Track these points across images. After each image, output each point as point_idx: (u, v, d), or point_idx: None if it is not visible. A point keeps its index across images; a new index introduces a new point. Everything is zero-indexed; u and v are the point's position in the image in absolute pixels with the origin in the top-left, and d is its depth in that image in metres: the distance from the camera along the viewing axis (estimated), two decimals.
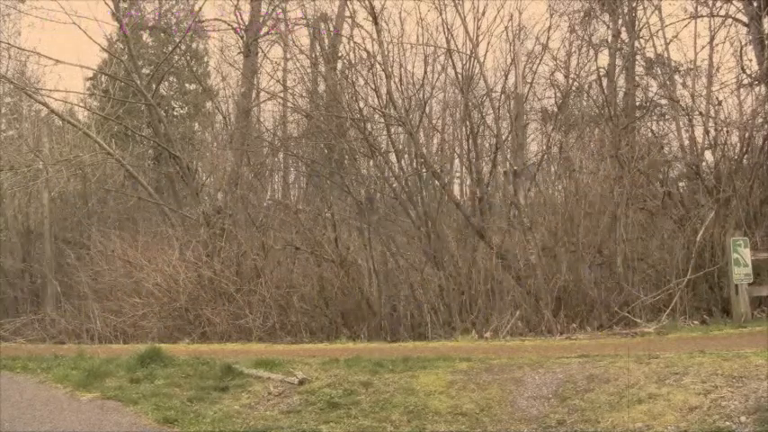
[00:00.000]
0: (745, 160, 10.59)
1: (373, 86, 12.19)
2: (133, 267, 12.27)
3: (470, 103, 12.16)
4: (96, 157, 14.83)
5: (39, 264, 15.66)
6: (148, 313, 11.30)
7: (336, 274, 10.85)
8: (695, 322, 8.83)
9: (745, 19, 13.21)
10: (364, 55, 12.75)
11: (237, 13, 15.58)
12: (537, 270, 9.74)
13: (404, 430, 5.27)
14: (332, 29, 15.86)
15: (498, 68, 14.99)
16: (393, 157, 12.25)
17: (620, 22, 14.42)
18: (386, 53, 11.91)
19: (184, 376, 6.55)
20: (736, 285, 8.86)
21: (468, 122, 12.23)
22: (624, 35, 14.53)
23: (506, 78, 13.05)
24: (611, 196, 10.12)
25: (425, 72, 12.28)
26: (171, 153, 14.54)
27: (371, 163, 12.74)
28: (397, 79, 11.96)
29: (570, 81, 14.53)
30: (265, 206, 13.53)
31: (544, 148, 12.85)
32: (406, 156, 12.26)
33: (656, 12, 13.89)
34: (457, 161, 14.64)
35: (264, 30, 16.11)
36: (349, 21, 15.47)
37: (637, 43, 14.35)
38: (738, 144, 10.70)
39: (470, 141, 12.11)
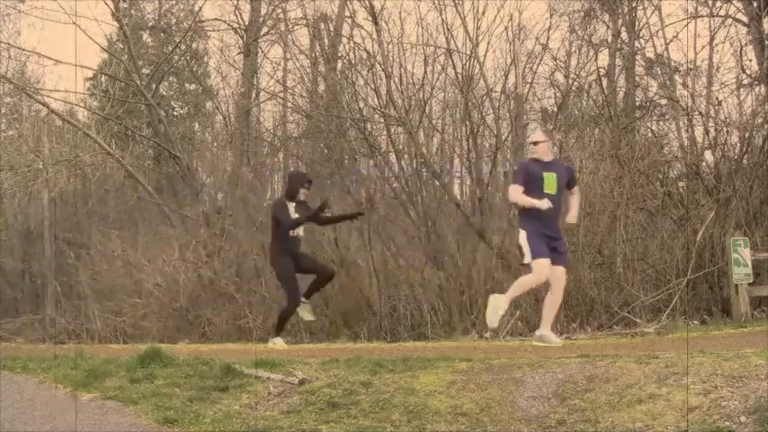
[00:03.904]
0: (745, 160, 10.56)
1: (373, 86, 12.19)
2: (133, 267, 12.29)
3: (470, 103, 12.15)
4: (96, 157, 14.84)
5: (39, 264, 15.63)
6: (148, 313, 11.32)
7: (336, 274, 10.86)
8: (695, 322, 8.83)
9: (745, 19, 13.19)
10: (364, 55, 12.77)
11: (237, 13, 15.63)
12: None
13: (404, 430, 5.26)
14: (332, 29, 15.85)
15: (498, 68, 14.92)
16: (393, 157, 12.25)
17: (620, 22, 14.41)
18: (386, 53, 11.91)
19: (184, 376, 6.54)
20: (736, 285, 8.85)
21: (468, 122, 12.21)
22: (624, 35, 14.52)
23: (506, 78, 13.02)
24: (612, 196, 10.12)
25: (425, 72, 12.27)
26: (171, 153, 14.55)
27: (371, 163, 12.74)
28: (396, 79, 11.95)
29: (570, 81, 14.50)
30: (265, 206, 13.53)
31: None
32: (405, 156, 12.26)
33: (656, 12, 13.87)
34: (457, 161, 14.62)
35: (264, 30, 16.13)
36: (349, 21, 15.45)
37: (637, 43, 14.34)
38: (738, 144, 10.68)
39: (470, 141, 12.09)
